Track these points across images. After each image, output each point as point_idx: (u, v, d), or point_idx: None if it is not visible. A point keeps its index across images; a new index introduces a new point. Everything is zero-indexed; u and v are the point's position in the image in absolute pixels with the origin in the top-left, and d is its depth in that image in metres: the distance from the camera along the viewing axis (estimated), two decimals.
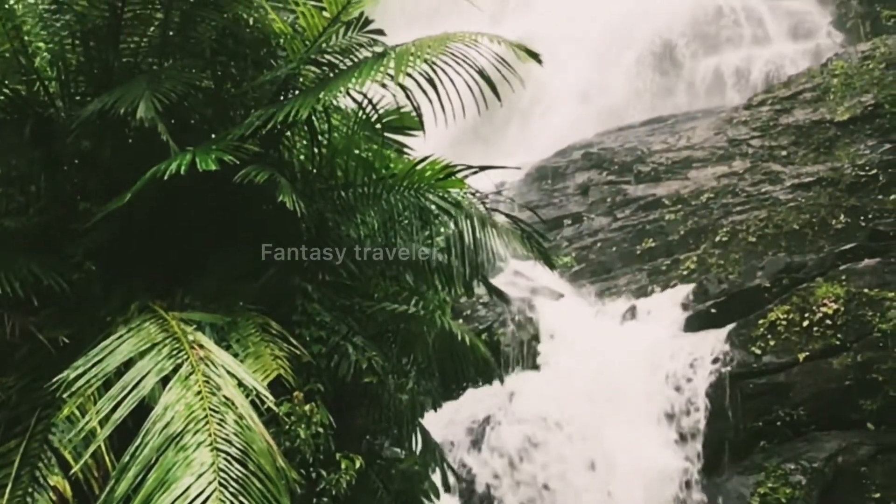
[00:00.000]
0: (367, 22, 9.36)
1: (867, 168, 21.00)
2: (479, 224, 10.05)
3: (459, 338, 10.20)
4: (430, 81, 8.49)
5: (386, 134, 10.44)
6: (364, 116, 10.02)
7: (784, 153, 22.91)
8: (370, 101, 9.63)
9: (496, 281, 19.17)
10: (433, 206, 9.98)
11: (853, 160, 21.33)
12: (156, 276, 8.92)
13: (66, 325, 8.37)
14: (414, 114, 9.40)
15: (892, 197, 19.98)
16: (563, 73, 28.68)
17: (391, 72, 8.31)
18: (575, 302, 20.70)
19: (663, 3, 31.67)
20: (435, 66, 8.42)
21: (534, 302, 19.62)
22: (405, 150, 10.77)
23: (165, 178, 7.90)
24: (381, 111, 10.14)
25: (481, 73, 8.53)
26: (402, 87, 8.61)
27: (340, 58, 9.40)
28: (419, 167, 9.94)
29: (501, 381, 14.79)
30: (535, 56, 8.46)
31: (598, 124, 28.32)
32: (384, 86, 8.78)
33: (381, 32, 9.33)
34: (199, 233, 9.33)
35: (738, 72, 29.60)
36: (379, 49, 9.18)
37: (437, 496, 10.86)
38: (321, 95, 8.55)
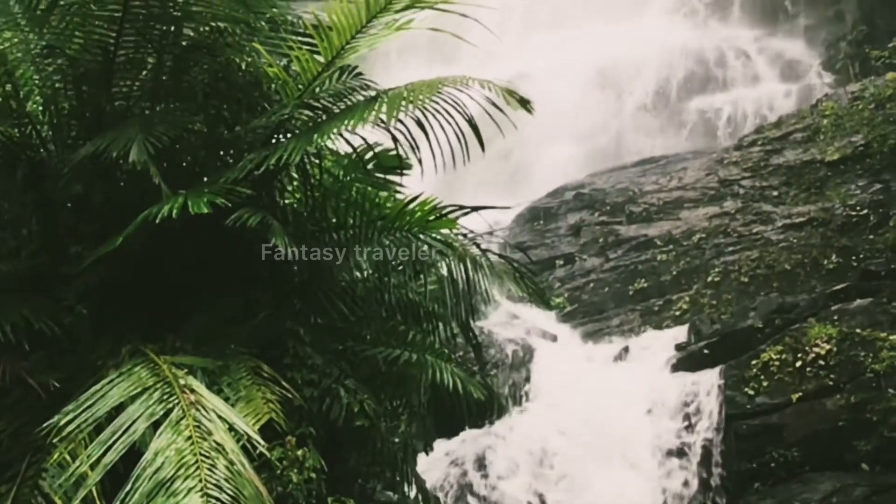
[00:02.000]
0: (360, 73, 9.43)
1: (858, 208, 21.07)
2: (472, 265, 10.05)
3: (452, 381, 10.16)
4: (420, 125, 8.53)
5: (377, 174, 10.46)
6: (356, 157, 10.04)
7: (775, 193, 22.98)
8: (366, 142, 9.65)
9: (489, 322, 19.22)
10: (425, 247, 9.98)
11: (844, 200, 21.40)
12: (147, 319, 8.89)
13: (57, 369, 8.33)
14: (405, 155, 9.42)
15: (884, 237, 20.00)
16: (554, 113, 28.76)
17: (383, 115, 8.35)
18: (568, 343, 20.68)
19: (654, 45, 31.87)
20: (426, 111, 8.46)
21: (527, 343, 19.60)
22: (397, 188, 10.78)
23: (157, 221, 7.90)
24: (374, 150, 10.15)
25: (470, 121, 8.57)
26: (394, 130, 8.64)
27: (333, 101, 9.43)
28: (410, 207, 9.96)
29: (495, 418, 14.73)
30: (525, 104, 8.49)
31: (589, 165, 28.40)
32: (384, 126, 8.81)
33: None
34: (190, 275, 9.31)
35: (728, 113, 29.76)
36: (371, 93, 9.22)
37: None
38: (314, 139, 8.58)
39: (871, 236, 20.29)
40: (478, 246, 10.35)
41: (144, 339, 8.53)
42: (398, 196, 10.52)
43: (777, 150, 24.20)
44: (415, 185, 10.12)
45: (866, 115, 21.67)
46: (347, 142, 9.61)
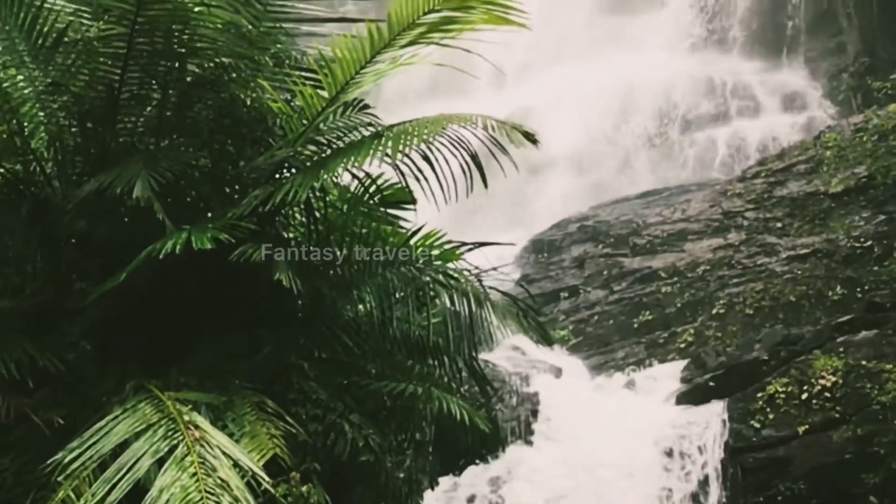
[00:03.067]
0: (366, 105, 9.45)
1: (862, 239, 21.05)
2: (476, 302, 10.05)
3: (458, 415, 10.13)
4: (427, 159, 8.56)
5: (382, 208, 10.47)
6: (361, 192, 10.05)
7: (779, 225, 22.98)
8: (369, 177, 9.66)
9: (494, 355, 19.18)
10: (429, 281, 9.99)
11: (848, 232, 21.38)
12: (151, 354, 8.89)
13: (61, 405, 8.32)
14: (410, 189, 9.45)
15: (888, 268, 19.98)
16: (558, 145, 28.84)
17: (389, 151, 8.37)
18: (573, 376, 20.62)
19: (657, 77, 31.96)
20: (431, 147, 8.50)
21: (532, 377, 19.55)
22: (401, 223, 10.80)
23: (161, 257, 7.91)
24: (378, 184, 10.17)
25: (474, 157, 8.61)
26: (400, 165, 8.66)
27: (338, 137, 9.46)
28: (414, 240, 9.98)
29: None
30: (531, 138, 8.52)
31: (593, 197, 28.43)
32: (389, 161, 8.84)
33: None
34: (194, 311, 9.32)
35: (731, 144, 29.81)
36: (376, 128, 9.25)
37: None
38: (319, 175, 8.60)
39: (876, 268, 20.26)
40: (481, 283, 10.35)
41: (148, 374, 8.52)
42: (402, 230, 10.54)
43: (780, 181, 24.21)
44: (419, 218, 10.15)
45: (869, 147, 21.68)
46: (353, 175, 9.62)
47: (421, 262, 10.09)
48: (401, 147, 8.37)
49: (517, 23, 8.64)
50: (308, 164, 9.39)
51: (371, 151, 8.48)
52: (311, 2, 10.26)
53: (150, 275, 8.43)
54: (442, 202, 8.75)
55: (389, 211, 10.63)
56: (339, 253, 10.06)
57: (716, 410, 17.04)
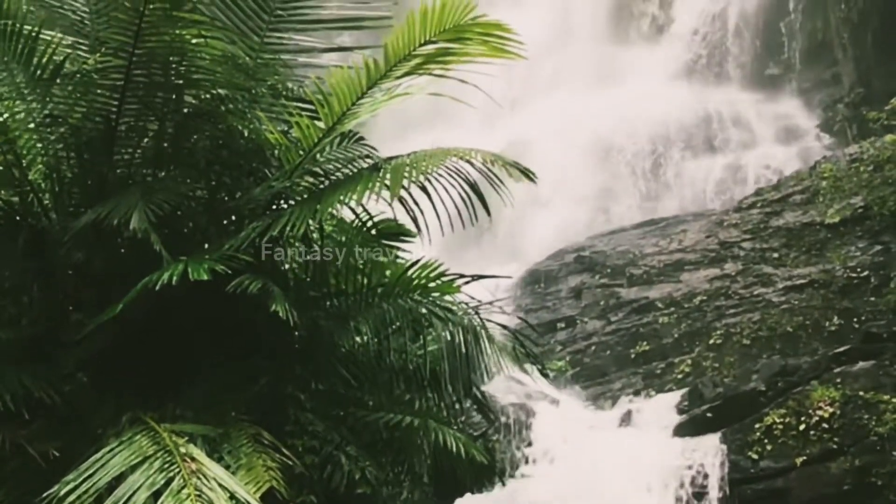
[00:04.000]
0: (361, 137, 9.48)
1: (859, 270, 21.08)
2: (472, 335, 10.04)
3: (454, 446, 10.10)
4: (425, 191, 8.56)
5: (379, 240, 10.47)
6: (357, 224, 10.06)
7: (776, 255, 23.00)
8: (366, 211, 9.68)
9: (490, 386, 19.12)
10: (425, 312, 9.98)
11: (844, 262, 21.41)
12: (147, 386, 8.86)
13: (57, 437, 8.29)
14: (414, 219, 9.45)
15: (885, 298, 19.99)
16: (555, 175, 28.87)
17: (388, 185, 8.39)
18: (570, 407, 20.58)
19: (652, 108, 32.04)
20: (430, 180, 8.51)
21: (529, 408, 19.51)
22: (399, 253, 10.79)
23: (157, 288, 7.90)
24: (374, 217, 10.17)
25: (474, 187, 8.62)
26: (400, 199, 8.66)
27: (335, 168, 9.47)
28: (411, 272, 9.97)
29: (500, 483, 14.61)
30: (528, 174, 8.54)
31: (589, 227, 28.47)
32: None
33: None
34: (190, 342, 9.30)
35: (727, 175, 29.87)
36: (373, 160, 9.27)
37: None
38: (317, 208, 8.60)
39: (873, 298, 20.28)
40: (478, 314, 10.34)
41: (145, 406, 8.50)
42: (399, 261, 10.53)
43: (777, 212, 24.25)
44: (416, 251, 10.15)
45: (865, 177, 21.73)
46: (349, 208, 9.63)
47: (418, 293, 10.09)
48: (400, 181, 8.38)
49: (513, 53, 8.67)
50: (305, 195, 9.39)
51: (370, 185, 8.49)
52: (307, 33, 10.30)
53: (147, 306, 8.42)
54: (440, 233, 8.76)
55: (386, 242, 10.63)
56: (335, 284, 10.06)
57: (713, 442, 17.00)
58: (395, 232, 10.41)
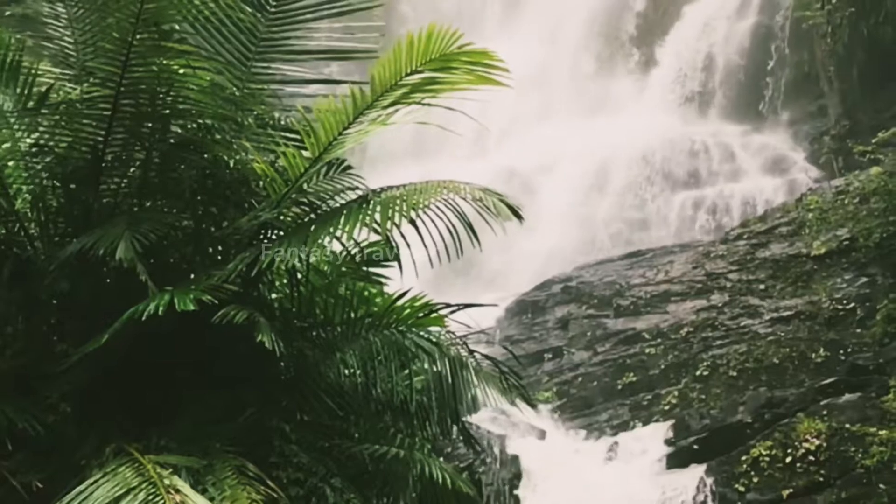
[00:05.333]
0: (348, 166, 9.47)
1: (845, 302, 21.13)
2: (459, 365, 10.01)
3: (440, 478, 10.05)
4: (413, 224, 8.55)
5: (365, 269, 10.45)
6: (344, 254, 10.03)
7: (762, 287, 23.06)
8: (355, 241, 9.65)
9: (477, 417, 19.09)
10: (412, 345, 9.95)
11: (830, 294, 21.47)
12: (132, 417, 8.81)
13: (40, 468, 8.23)
14: (394, 250, 9.44)
15: (871, 330, 20.02)
16: (540, 206, 28.95)
17: (377, 219, 8.37)
18: (556, 438, 20.55)
19: (640, 140, 32.19)
20: (419, 215, 8.50)
21: (515, 439, 19.46)
22: (386, 283, 10.77)
23: (143, 318, 7.87)
24: (361, 248, 10.15)
25: (462, 219, 8.61)
26: (388, 233, 8.64)
27: (322, 199, 9.46)
28: (398, 304, 9.94)
29: None
30: (516, 213, 8.54)
31: (576, 258, 28.51)
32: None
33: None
34: (176, 373, 9.24)
35: (713, 206, 29.98)
36: (362, 190, 9.25)
37: None
38: (306, 242, 8.57)
39: (859, 330, 20.33)
40: (465, 345, 10.31)
41: (129, 437, 8.43)
42: (386, 291, 10.50)
43: (763, 243, 24.33)
44: (403, 281, 10.12)
45: (851, 210, 21.83)
46: (336, 238, 9.61)
47: (404, 325, 10.06)
48: (389, 215, 8.37)
49: (499, 82, 8.67)
50: (293, 226, 9.36)
51: (360, 219, 8.47)
52: (294, 63, 10.31)
53: (132, 336, 8.37)
54: (428, 263, 8.74)
55: (373, 270, 10.61)
56: (322, 315, 10.03)
57: (699, 474, 16.97)
58: (376, 259, 10.39)
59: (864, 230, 21.50)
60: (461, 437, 10.96)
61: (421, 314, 9.84)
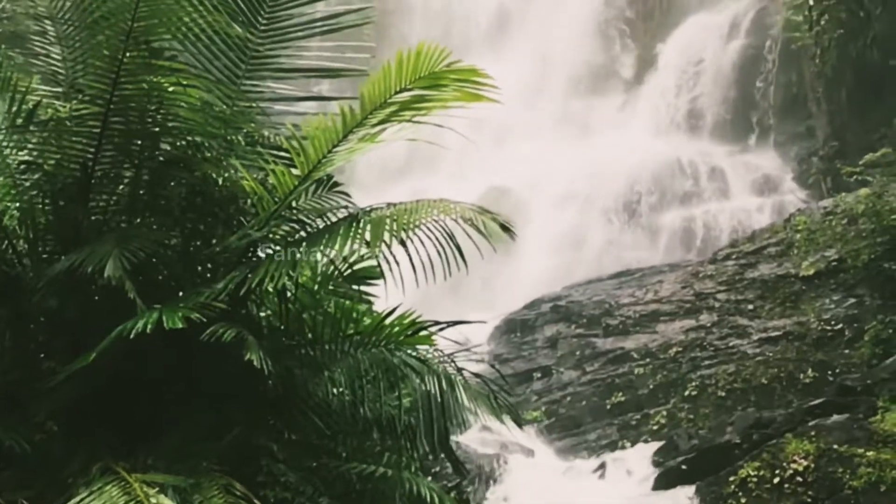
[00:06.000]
0: (336, 183, 9.47)
1: (833, 322, 21.17)
2: (447, 383, 9.99)
3: (428, 497, 10.03)
4: (403, 244, 8.54)
5: (353, 286, 10.44)
6: (332, 272, 10.03)
7: (750, 307, 23.09)
8: (345, 259, 9.65)
9: (465, 437, 19.06)
10: (400, 363, 9.93)
11: (819, 315, 21.52)
12: (119, 435, 8.77)
13: (27, 487, 8.18)
14: (383, 267, 9.43)
15: (859, 351, 20.05)
16: (530, 226, 28.98)
17: (367, 239, 8.37)
18: (545, 458, 20.52)
19: (629, 159, 32.26)
20: (409, 236, 8.50)
21: (503, 458, 19.43)
22: (374, 300, 10.76)
23: (131, 336, 7.85)
24: (349, 261, 10.15)
25: (452, 239, 8.61)
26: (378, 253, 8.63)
27: (311, 217, 9.46)
28: (387, 322, 9.93)
29: None
30: (508, 230, 8.55)
31: (565, 277, 28.53)
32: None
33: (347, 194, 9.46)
34: (163, 391, 9.22)
35: (702, 226, 30.05)
36: (351, 209, 9.26)
37: None
38: (296, 261, 8.57)
39: (847, 351, 20.37)
40: (454, 363, 10.30)
41: (116, 455, 8.40)
42: (374, 309, 10.49)
43: (751, 263, 24.38)
44: (391, 296, 10.12)
45: (839, 231, 21.90)
46: (325, 255, 9.60)
47: (393, 343, 10.04)
48: (380, 235, 8.37)
49: (489, 98, 8.68)
50: (282, 244, 9.36)
51: (350, 238, 8.47)
52: (285, 81, 10.31)
53: (120, 354, 8.35)
54: (417, 284, 8.73)
55: (361, 288, 10.60)
56: (310, 333, 10.01)
57: (688, 494, 16.95)
58: (364, 275, 10.39)
59: (853, 251, 21.56)
60: (448, 458, 10.94)
61: (409, 332, 9.82)
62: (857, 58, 28.53)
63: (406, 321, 9.95)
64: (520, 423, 10.63)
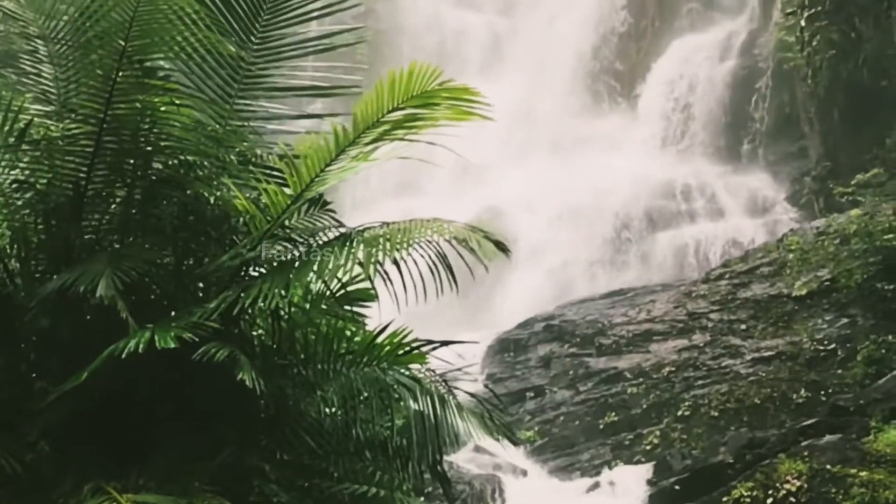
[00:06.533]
0: (326, 202, 9.48)
1: (826, 342, 21.19)
2: (440, 403, 9.96)
3: None
4: (396, 263, 8.54)
5: (345, 307, 10.42)
6: (325, 293, 10.01)
7: (743, 327, 23.11)
8: (338, 279, 9.64)
9: (458, 456, 19.03)
10: (393, 382, 9.90)
11: (812, 335, 21.54)
12: (110, 455, 8.74)
13: None
14: (373, 289, 9.42)
15: (851, 371, 20.06)
16: (523, 245, 29.00)
17: (360, 259, 8.36)
18: (538, 478, 20.49)
19: (622, 179, 32.31)
20: (402, 256, 8.50)
21: (496, 478, 19.39)
22: (364, 321, 10.75)
23: (123, 356, 7.83)
24: (344, 283, 10.13)
25: (444, 258, 8.61)
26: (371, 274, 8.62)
27: (304, 237, 9.46)
28: (379, 340, 9.90)
29: None
30: (502, 248, 8.55)
31: (559, 296, 28.54)
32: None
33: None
34: (155, 410, 9.19)
35: (695, 246, 30.09)
36: (344, 228, 9.25)
37: None
38: (289, 282, 8.56)
39: (840, 371, 20.39)
40: (446, 383, 10.28)
41: (107, 475, 8.37)
42: (367, 328, 10.47)
43: (744, 283, 24.42)
44: (383, 315, 10.10)
45: (832, 251, 21.96)
46: (320, 278, 9.58)
47: (385, 362, 10.02)
48: (373, 255, 8.36)
49: (481, 116, 8.69)
50: (275, 263, 9.34)
51: (344, 259, 8.46)
52: (278, 100, 10.33)
53: (112, 373, 8.32)
54: (411, 302, 8.72)
55: (354, 308, 10.59)
56: (302, 352, 9.99)
57: None
58: (358, 297, 10.38)
59: (845, 271, 21.61)
60: (438, 479, 10.91)
61: (401, 351, 9.81)
62: (849, 78, 28.65)
63: (397, 339, 9.93)
64: (515, 441, 10.60)
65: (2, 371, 8.97)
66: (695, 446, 19.95)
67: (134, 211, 9.49)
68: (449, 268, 8.70)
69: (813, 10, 28.14)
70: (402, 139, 9.00)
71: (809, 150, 31.55)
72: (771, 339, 22.10)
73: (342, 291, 10.04)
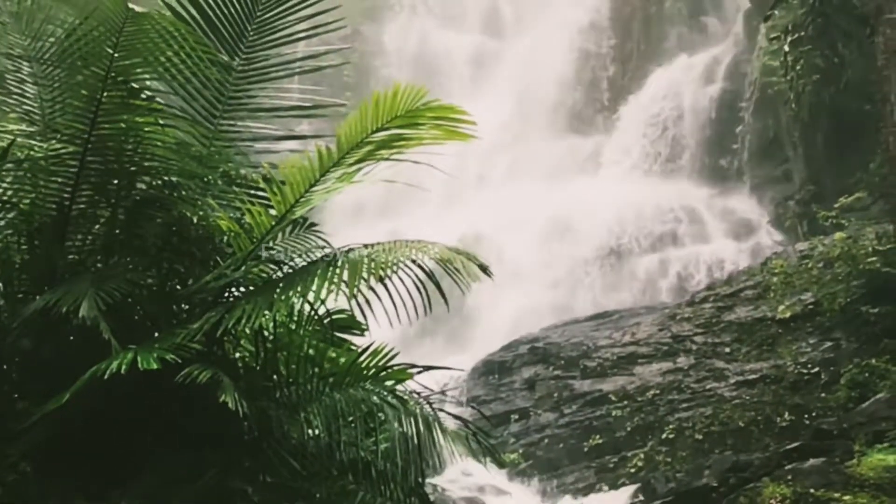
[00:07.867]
0: (312, 224, 9.47)
1: (809, 366, 21.23)
2: (425, 424, 9.94)
3: None
4: (382, 281, 8.53)
5: (331, 332, 10.39)
6: (311, 316, 9.98)
7: (727, 350, 23.15)
8: (322, 303, 9.61)
9: (442, 479, 18.97)
10: (377, 403, 9.88)
11: (795, 358, 21.58)
12: (93, 476, 8.70)
13: None
14: (360, 316, 9.42)
15: (835, 395, 20.09)
16: (507, 267, 29.03)
17: (345, 280, 8.35)
18: (522, 501, 20.44)
19: (607, 202, 32.38)
20: (387, 276, 8.49)
21: (480, 502, 19.35)
22: (350, 345, 10.73)
23: (106, 377, 7.79)
24: (328, 309, 10.11)
25: (431, 278, 8.60)
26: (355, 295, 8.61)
27: (288, 257, 9.44)
28: (361, 360, 9.88)
29: None
30: (485, 270, 8.54)
31: (543, 319, 28.54)
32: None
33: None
34: (137, 432, 9.14)
35: (679, 269, 30.13)
36: (328, 249, 9.24)
37: None
38: (273, 303, 8.54)
39: (823, 394, 20.42)
40: (430, 404, 10.25)
41: (90, 497, 8.33)
42: (351, 350, 10.45)
43: (728, 306, 24.47)
44: (368, 338, 10.09)
45: (815, 274, 22.03)
46: (305, 299, 9.56)
47: (369, 382, 9.99)
48: (358, 278, 8.35)
49: (466, 135, 8.69)
50: (259, 284, 9.33)
51: (327, 280, 8.44)
52: (264, 121, 10.32)
53: (95, 395, 8.29)
54: (395, 324, 8.71)
55: (339, 335, 10.57)
56: (285, 373, 9.96)
57: None
58: (346, 325, 10.37)
59: (829, 294, 21.67)
60: (421, 501, 10.87)
61: (385, 370, 9.78)
62: (832, 103, 28.80)
63: (380, 357, 9.91)
64: (501, 465, 10.58)
65: None
66: (679, 469, 19.93)
67: (118, 231, 9.46)
68: (437, 285, 8.69)
69: (797, 35, 28.29)
70: (387, 159, 9.00)
71: (793, 173, 31.67)
72: (755, 363, 22.15)
73: (328, 319, 10.02)
